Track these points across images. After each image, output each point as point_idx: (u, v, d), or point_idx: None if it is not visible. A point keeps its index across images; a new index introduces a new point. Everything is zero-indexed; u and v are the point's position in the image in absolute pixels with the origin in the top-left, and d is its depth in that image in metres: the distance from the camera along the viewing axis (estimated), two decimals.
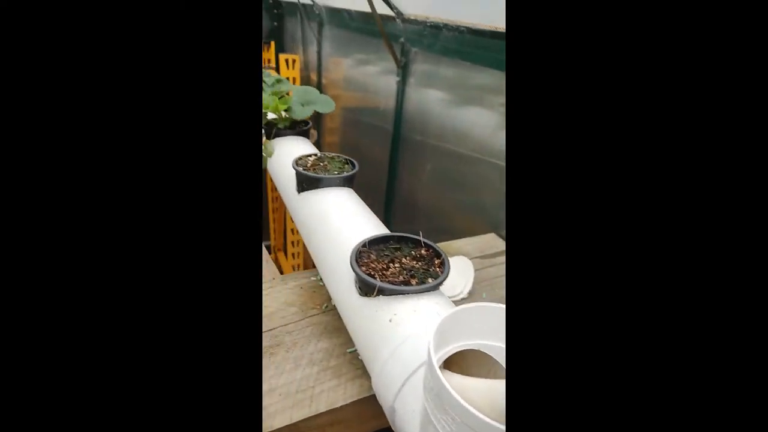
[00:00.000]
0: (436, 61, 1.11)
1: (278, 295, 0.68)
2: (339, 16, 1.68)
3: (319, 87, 2.10)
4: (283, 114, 1.01)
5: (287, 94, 1.02)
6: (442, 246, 0.85)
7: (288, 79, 2.12)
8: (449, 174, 1.15)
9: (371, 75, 1.59)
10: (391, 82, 1.39)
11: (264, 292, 0.68)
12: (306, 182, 0.74)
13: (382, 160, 1.47)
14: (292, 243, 2.69)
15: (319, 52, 2.00)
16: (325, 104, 1.00)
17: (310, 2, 1.88)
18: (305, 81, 2.27)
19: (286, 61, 2.12)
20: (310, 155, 0.82)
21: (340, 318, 0.63)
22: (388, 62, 1.39)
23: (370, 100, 1.62)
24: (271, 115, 1.04)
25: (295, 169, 0.76)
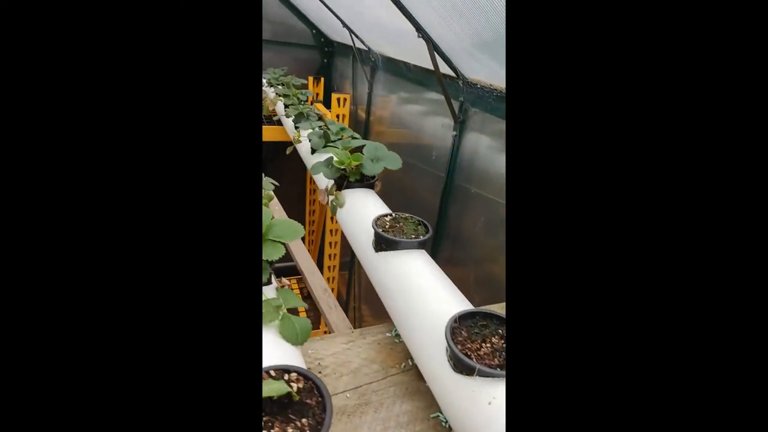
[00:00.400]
0: (495, 122, 1.18)
1: (359, 350, 0.74)
2: (395, 65, 1.79)
3: (367, 123, 2.21)
4: (354, 168, 1.09)
5: (359, 150, 1.11)
6: (499, 308, 0.89)
7: (339, 115, 2.24)
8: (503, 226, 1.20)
9: (421, 121, 1.68)
10: (441, 129, 1.47)
11: (345, 346, 0.74)
12: (385, 243, 0.81)
13: (429, 200, 1.54)
14: (329, 268, 2.77)
15: (369, 93, 2.12)
16: (393, 161, 1.07)
17: (366, 48, 2.01)
18: (353, 116, 2.40)
19: (338, 99, 2.25)
20: (386, 215, 0.89)
21: (418, 378, 0.68)
22: (437, 106, 1.48)
23: (417, 141, 1.70)
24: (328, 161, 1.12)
25: (374, 229, 0.83)
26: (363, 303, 2.63)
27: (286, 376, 0.49)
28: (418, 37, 1.15)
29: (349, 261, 2.71)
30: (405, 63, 1.66)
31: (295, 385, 0.47)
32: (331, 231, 2.62)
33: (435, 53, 1.16)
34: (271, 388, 0.45)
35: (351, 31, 1.95)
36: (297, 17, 2.67)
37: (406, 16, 1.14)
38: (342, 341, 0.75)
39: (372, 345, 0.75)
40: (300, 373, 0.49)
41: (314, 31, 2.74)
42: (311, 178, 2.79)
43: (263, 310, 0.60)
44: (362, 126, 2.25)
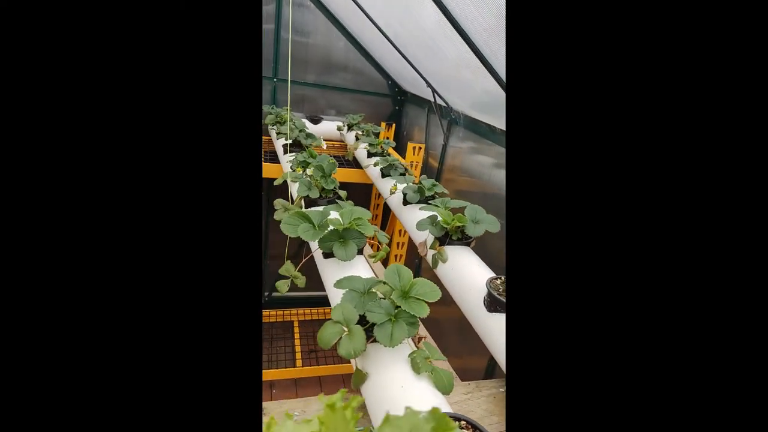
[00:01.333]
0: None
1: (479, 402, 0.83)
2: (477, 125, 1.94)
3: (439, 171, 2.37)
4: (455, 227, 1.22)
5: (461, 211, 1.24)
6: None
7: (412, 162, 2.41)
8: None
9: (499, 176, 1.80)
10: None
11: (466, 396, 0.84)
12: (500, 306, 0.92)
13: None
14: None
15: (445, 145, 2.28)
16: (492, 224, 1.19)
17: (445, 105, 2.19)
18: (425, 162, 2.57)
19: (413, 148, 2.44)
20: (496, 278, 1.01)
21: None
22: None
23: (494, 195, 1.82)
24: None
25: (489, 290, 0.94)
26: None
27: (456, 423, 0.60)
28: None
29: None
30: (490, 126, 1.81)
31: None
32: (399, 231, 2.67)
33: None
34: None
35: (434, 90, 2.15)
36: (375, 69, 2.95)
37: None
38: (462, 391, 0.86)
39: (488, 398, 0.85)
40: (469, 422, 0.60)
41: (390, 82, 2.99)
42: (377, 192, 2.92)
43: (417, 361, 0.72)
44: (434, 172, 2.41)
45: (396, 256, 2.70)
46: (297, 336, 3.00)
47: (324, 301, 3.30)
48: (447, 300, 0.93)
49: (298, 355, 2.82)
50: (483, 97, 1.74)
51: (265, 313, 3.18)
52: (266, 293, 3.26)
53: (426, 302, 0.79)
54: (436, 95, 2.17)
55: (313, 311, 3.25)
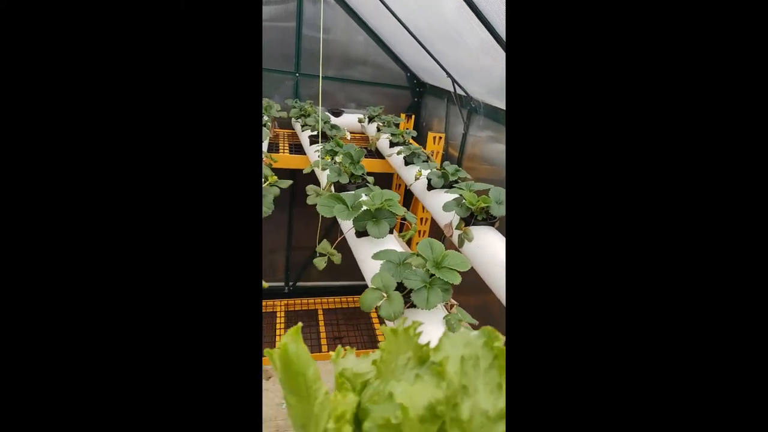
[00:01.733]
0: None
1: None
2: (496, 113, 1.98)
3: (460, 160, 2.41)
4: (480, 208, 1.28)
5: (485, 193, 1.29)
6: None
7: (433, 152, 2.46)
8: None
9: None
10: None
11: None
12: None
13: None
14: None
15: (465, 134, 2.33)
16: None
17: (465, 95, 2.23)
18: (445, 152, 2.61)
19: (434, 138, 2.49)
20: None
21: None
22: None
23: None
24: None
25: None
26: None
27: None
28: None
29: None
30: None
31: None
32: (421, 219, 2.73)
33: None
34: None
35: (454, 80, 2.19)
36: (394, 62, 3.00)
37: None
38: None
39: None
40: None
41: (408, 74, 3.04)
42: (397, 182, 2.99)
43: (452, 323, 0.79)
44: (454, 161, 2.46)
45: (421, 219, 2.77)
46: (322, 323, 3.11)
47: (346, 290, 3.41)
48: (464, 290, 0.99)
49: (323, 341, 2.92)
50: (502, 83, 1.78)
51: (290, 302, 3.30)
52: (291, 283, 3.38)
53: (457, 271, 0.86)
54: (456, 85, 2.21)
55: (336, 300, 3.35)
